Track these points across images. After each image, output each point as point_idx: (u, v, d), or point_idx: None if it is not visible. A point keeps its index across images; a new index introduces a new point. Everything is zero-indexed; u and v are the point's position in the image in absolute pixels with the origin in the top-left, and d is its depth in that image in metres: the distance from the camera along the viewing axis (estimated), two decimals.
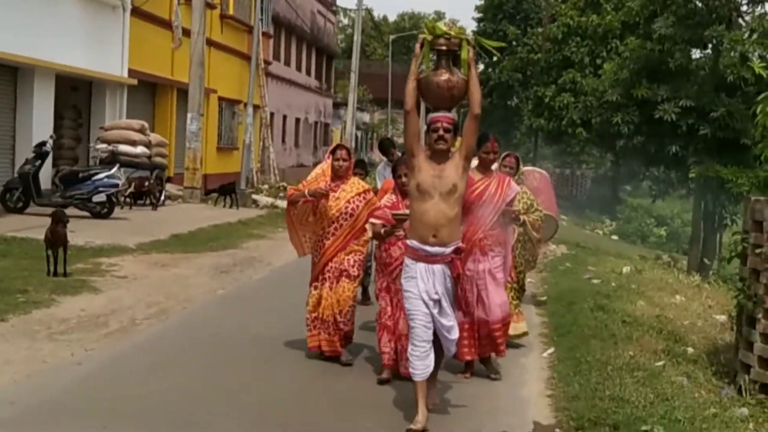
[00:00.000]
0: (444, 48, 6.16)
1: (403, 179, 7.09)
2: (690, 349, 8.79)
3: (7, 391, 6.38)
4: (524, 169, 10.54)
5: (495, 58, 52.69)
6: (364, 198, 7.64)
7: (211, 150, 30.27)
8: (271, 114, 36.92)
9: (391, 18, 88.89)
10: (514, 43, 49.39)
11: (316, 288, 7.69)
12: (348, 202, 7.56)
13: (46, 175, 18.51)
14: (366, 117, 63.46)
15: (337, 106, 54.73)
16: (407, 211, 6.59)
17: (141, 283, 11.34)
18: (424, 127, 6.45)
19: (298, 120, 44.53)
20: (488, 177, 7.46)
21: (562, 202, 24.67)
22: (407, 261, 6.23)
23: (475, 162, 7.27)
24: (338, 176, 7.61)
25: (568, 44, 37.78)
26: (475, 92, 6.11)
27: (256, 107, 32.76)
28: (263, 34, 33.62)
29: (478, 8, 53.60)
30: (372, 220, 7.27)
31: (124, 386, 6.76)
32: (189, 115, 24.17)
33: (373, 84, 62.30)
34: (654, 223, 41.64)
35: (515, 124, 50.58)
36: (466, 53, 6.13)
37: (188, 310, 10.10)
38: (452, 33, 6.15)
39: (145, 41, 24.18)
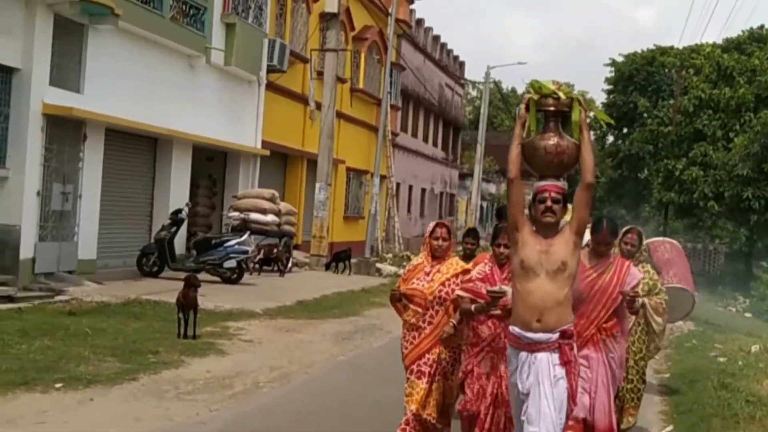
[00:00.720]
0: (552, 109, 5.43)
1: (502, 249, 6.30)
2: None
3: None
4: (653, 240, 10.09)
5: (625, 130, 52.28)
6: (461, 279, 6.60)
7: (338, 218, 30.94)
8: (397, 184, 37.52)
9: (519, 89, 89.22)
10: (644, 115, 48.89)
11: (413, 381, 6.73)
12: (442, 285, 6.63)
13: (180, 241, 19.36)
14: (492, 188, 63.56)
15: (462, 176, 55.10)
16: (505, 288, 5.91)
17: (266, 348, 11.70)
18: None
19: (423, 190, 45.03)
20: (603, 262, 6.45)
21: (694, 278, 24.00)
22: (509, 351, 5.45)
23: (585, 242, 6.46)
24: (436, 257, 6.77)
25: (699, 117, 37.24)
26: (588, 158, 5.32)
27: (382, 177, 33.40)
28: (391, 106, 34.38)
29: (608, 80, 53.35)
30: (459, 292, 6.37)
31: None
32: (317, 185, 24.86)
33: (500, 155, 62.28)
34: None
35: (645, 197, 49.74)
36: (578, 114, 5.39)
37: (310, 375, 10.36)
38: (561, 93, 5.45)
39: (278, 114, 25.12)
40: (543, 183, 5.37)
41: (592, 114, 5.81)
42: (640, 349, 8.04)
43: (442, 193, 49.74)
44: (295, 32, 26.39)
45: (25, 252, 14.90)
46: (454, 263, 6.77)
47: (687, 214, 39.47)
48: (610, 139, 56.20)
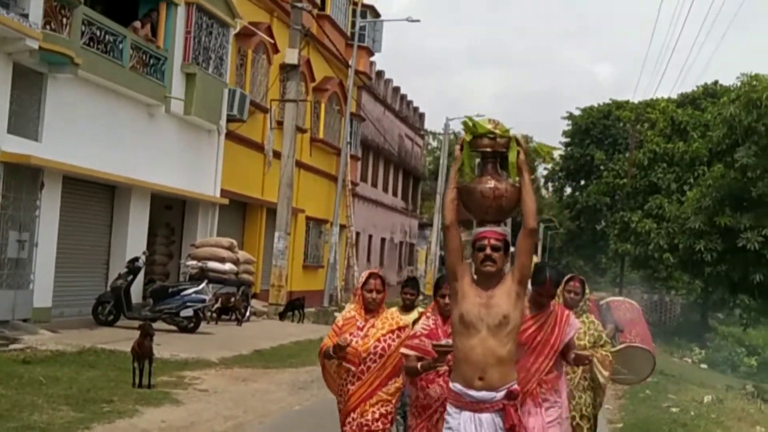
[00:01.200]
0: (488, 150, 5.05)
1: (447, 299, 5.69)
2: None
3: None
4: (613, 299, 10.16)
5: (582, 182, 53.04)
6: (398, 336, 6.10)
7: (297, 267, 30.94)
8: (357, 233, 37.64)
9: None
10: (601, 167, 49.68)
11: None
12: (378, 340, 6.05)
13: (137, 289, 19.25)
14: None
15: (422, 226, 55.39)
16: (450, 342, 5.32)
17: (221, 397, 11.67)
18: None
19: (383, 240, 45.20)
20: (543, 313, 5.91)
21: (650, 329, 24.31)
22: (449, 409, 5.07)
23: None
24: (370, 310, 6.16)
25: (654, 170, 37.95)
26: (529, 201, 4.93)
27: (342, 226, 33.52)
28: (351, 156, 34.63)
29: (565, 133, 54.27)
30: (404, 350, 5.90)
31: None
32: (277, 234, 24.91)
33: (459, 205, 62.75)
34: (744, 352, 40.47)
35: (602, 248, 50.36)
36: (515, 155, 4.99)
37: (265, 425, 10.36)
38: (497, 131, 5.03)
39: (238, 163, 25.22)
40: (482, 230, 5.00)
41: (533, 149, 5.42)
42: (588, 404, 7.64)
43: (402, 243, 49.93)
44: (255, 82, 26.59)
45: None
46: (389, 317, 6.20)
47: (643, 265, 40.01)
48: (568, 190, 56.94)
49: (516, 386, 4.96)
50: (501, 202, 4.96)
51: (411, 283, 7.87)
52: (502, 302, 4.87)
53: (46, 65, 16.23)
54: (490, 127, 5.04)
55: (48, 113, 16.58)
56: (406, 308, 7.53)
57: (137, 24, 19.88)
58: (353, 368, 5.99)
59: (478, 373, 4.87)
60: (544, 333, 5.86)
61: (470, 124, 5.08)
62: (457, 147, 5.11)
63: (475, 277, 5.00)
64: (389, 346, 6.04)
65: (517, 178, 5.00)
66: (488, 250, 4.91)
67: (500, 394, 4.89)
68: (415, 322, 6.50)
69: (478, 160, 5.19)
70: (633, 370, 9.06)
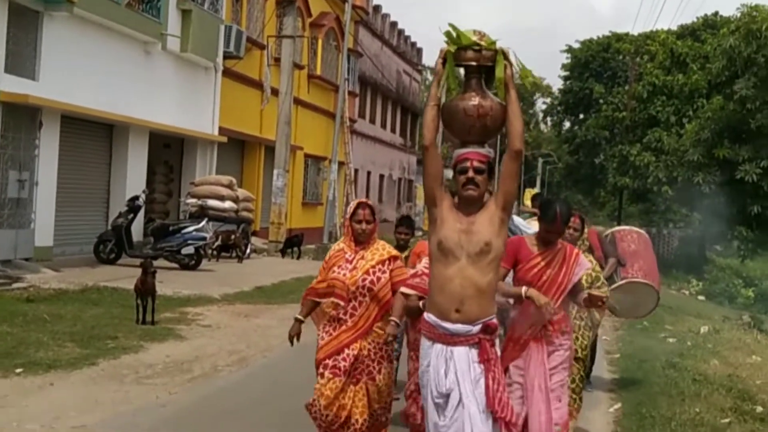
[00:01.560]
0: (473, 64, 4.59)
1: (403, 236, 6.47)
2: (759, 408, 8.82)
3: (95, 430, 6.85)
4: (619, 229, 9.69)
5: (581, 116, 52.87)
6: (389, 266, 5.74)
7: (296, 205, 31.02)
8: (356, 170, 37.64)
9: None
10: (600, 101, 49.44)
11: (327, 377, 5.78)
12: (367, 272, 5.67)
13: (138, 228, 19.35)
14: (450, 174, 63.81)
15: (421, 162, 55.26)
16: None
17: (224, 333, 11.82)
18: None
19: (382, 176, 45.21)
20: (551, 250, 5.56)
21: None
22: (423, 342, 4.74)
23: (533, 224, 6.15)
24: (359, 242, 5.79)
25: (653, 103, 37.71)
26: (515, 121, 4.50)
27: (340, 164, 33.51)
28: (349, 93, 34.47)
29: (564, 66, 53.83)
30: (404, 289, 5.62)
31: (205, 429, 7.17)
32: (275, 172, 24.93)
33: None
34: (742, 284, 40.77)
35: (601, 182, 50.34)
36: (502, 70, 4.53)
37: (268, 359, 10.51)
38: (483, 43, 4.56)
39: (235, 100, 25.13)
40: (464, 150, 4.61)
41: (518, 70, 4.75)
42: (585, 346, 7.31)
43: (400, 179, 49.95)
44: (251, 18, 26.38)
45: None
46: (380, 248, 5.78)
47: (641, 198, 40.09)
48: (567, 125, 56.76)
49: (494, 320, 4.60)
50: (485, 121, 4.54)
51: (405, 222, 7.49)
52: (484, 229, 4.51)
53: (41, 3, 16.10)
54: (475, 38, 4.56)
55: (44, 52, 16.49)
56: (400, 249, 7.25)
57: None
58: (342, 303, 5.67)
59: (455, 305, 4.51)
60: (552, 271, 5.50)
61: (453, 34, 4.57)
62: (439, 60, 4.61)
63: (456, 201, 4.63)
64: (378, 279, 5.66)
65: (503, 96, 4.58)
66: (470, 173, 4.53)
67: (476, 328, 4.53)
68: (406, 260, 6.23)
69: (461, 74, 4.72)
70: (635, 305, 8.89)
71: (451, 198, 4.63)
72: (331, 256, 5.83)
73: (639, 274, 8.42)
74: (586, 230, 7.76)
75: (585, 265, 5.69)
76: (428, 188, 4.63)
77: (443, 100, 4.67)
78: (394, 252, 5.84)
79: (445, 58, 4.59)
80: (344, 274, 5.69)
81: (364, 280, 5.65)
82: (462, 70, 4.71)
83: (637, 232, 9.54)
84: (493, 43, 4.58)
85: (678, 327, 15.94)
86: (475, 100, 4.54)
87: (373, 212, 5.84)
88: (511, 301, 5.60)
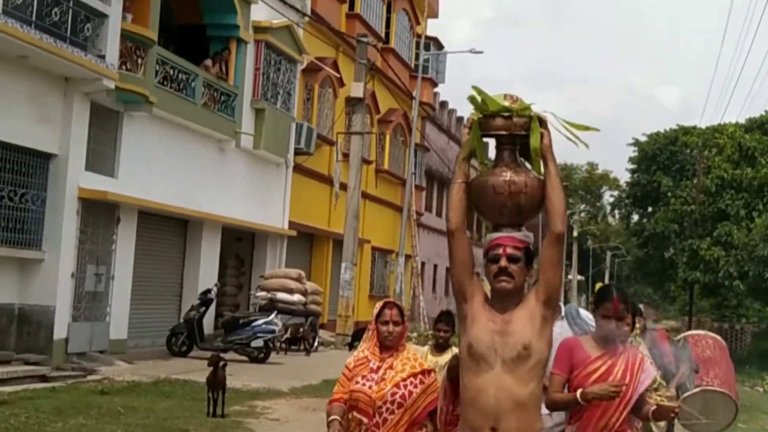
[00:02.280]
0: (503, 133, 4.02)
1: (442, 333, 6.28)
2: None
3: None
4: (693, 333, 8.96)
5: (650, 209, 52.46)
6: (421, 381, 4.92)
7: (363, 298, 31.21)
8: (422, 263, 37.81)
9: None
10: (668, 194, 49.16)
11: None
12: (397, 386, 4.87)
13: (209, 320, 19.71)
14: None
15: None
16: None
17: (292, 426, 11.93)
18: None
19: (448, 269, 45.19)
20: (610, 353, 4.70)
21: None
22: None
23: (587, 318, 5.44)
24: (386, 347, 5.02)
25: (722, 196, 37.49)
26: (555, 198, 3.93)
27: (407, 257, 33.75)
28: (416, 187, 34.92)
29: (631, 159, 53.76)
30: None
31: None
32: (343, 264, 25.22)
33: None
34: None
35: (671, 276, 49.71)
36: (538, 139, 3.94)
37: None
38: (514, 107, 3.98)
39: (305, 195, 25.67)
40: (496, 235, 4.02)
41: (563, 131, 4.12)
42: None
43: None
44: (321, 116, 27.10)
45: (59, 332, 15.28)
46: (411, 358, 5.01)
47: (712, 293, 39.46)
48: (635, 217, 56.38)
49: None
50: (519, 199, 3.96)
51: (445, 317, 6.63)
52: (522, 329, 3.86)
53: (122, 104, 16.83)
54: (506, 103, 3.98)
55: (124, 150, 17.15)
56: (439, 347, 6.53)
57: (208, 62, 20.48)
58: (365, 420, 4.85)
59: (489, 422, 3.84)
60: (614, 379, 4.59)
61: (479, 99, 4.00)
62: (465, 130, 4.10)
63: (489, 296, 4.03)
64: (410, 393, 4.85)
65: (539, 170, 4.01)
66: (503, 262, 3.91)
67: None
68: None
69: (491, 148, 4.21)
70: (710, 417, 7.45)
71: (483, 292, 4.03)
72: (355, 365, 5.01)
73: (715, 382, 7.57)
74: (639, 325, 6.95)
75: (650, 373, 4.94)
76: (456, 280, 4.07)
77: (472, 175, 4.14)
78: (427, 365, 5.12)
79: (470, 127, 4.04)
80: (370, 387, 4.87)
81: (393, 394, 4.85)
82: (494, 142, 4.16)
83: (713, 338, 8.63)
84: (527, 108, 3.97)
85: (751, 425, 15.59)
86: (506, 176, 3.96)
87: (402, 312, 5.13)
88: (563, 416, 4.85)
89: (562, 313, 6.31)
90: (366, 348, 5.08)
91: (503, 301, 3.98)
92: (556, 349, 4.58)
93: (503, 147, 4.10)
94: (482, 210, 4.14)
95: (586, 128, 4.13)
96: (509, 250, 3.97)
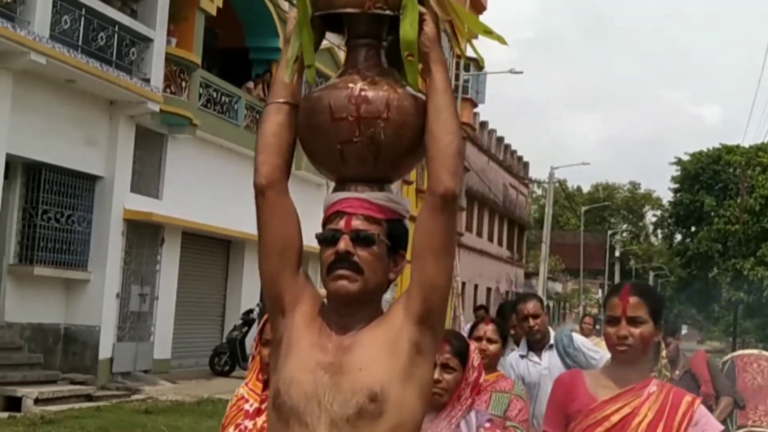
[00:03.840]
0: (353, 11, 2.30)
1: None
2: None
3: None
4: (742, 354, 7.41)
5: (693, 228, 52.01)
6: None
7: None
8: (463, 283, 37.73)
9: (585, 188, 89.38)
10: (711, 213, 48.73)
11: None
12: None
13: (251, 340, 19.80)
14: (558, 287, 63.31)
15: (528, 275, 55.08)
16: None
17: None
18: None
19: (489, 289, 45.17)
20: (630, 391, 3.07)
21: None
22: None
23: (599, 346, 4.28)
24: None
25: (766, 216, 37.09)
26: (442, 133, 2.21)
27: None
28: None
29: (674, 178, 53.41)
30: None
31: None
32: None
33: (566, 254, 62.43)
34: None
35: (715, 296, 49.19)
36: (415, 26, 2.27)
37: None
38: None
39: None
40: (337, 196, 2.35)
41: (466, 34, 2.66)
42: None
43: (507, 292, 49.73)
44: None
45: (104, 352, 15.48)
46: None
47: (757, 313, 39.00)
48: (678, 237, 55.91)
49: None
50: (377, 130, 2.23)
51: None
52: (372, 363, 2.18)
53: (166, 126, 17.07)
54: None
55: (168, 172, 17.39)
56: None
57: (251, 84, 20.72)
58: None
59: None
60: (640, 428, 3.05)
61: None
62: (290, 19, 2.39)
63: (324, 302, 2.37)
64: None
65: (415, 83, 2.30)
66: (343, 243, 2.25)
67: None
68: None
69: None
70: None
71: (314, 298, 2.38)
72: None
73: (765, 421, 6.22)
74: (664, 351, 5.19)
75: (715, 427, 3.13)
76: (266, 276, 2.39)
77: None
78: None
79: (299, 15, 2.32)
80: None
81: None
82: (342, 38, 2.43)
83: (766, 359, 6.95)
84: None
85: None
86: (353, 88, 2.25)
87: (500, 329, 4.59)
88: None
89: (551, 341, 5.52)
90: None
91: (345, 314, 2.26)
92: (550, 391, 3.31)
93: (356, 42, 2.37)
94: (315, 151, 2.35)
95: (489, 32, 2.53)
96: (356, 223, 2.26)
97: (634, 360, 3.11)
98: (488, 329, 4.55)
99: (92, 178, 15.71)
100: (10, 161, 13.99)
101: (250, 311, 18.94)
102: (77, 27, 14.52)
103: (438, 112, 2.23)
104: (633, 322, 3.08)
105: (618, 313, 3.10)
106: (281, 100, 2.39)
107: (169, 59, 16.66)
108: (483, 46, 47.48)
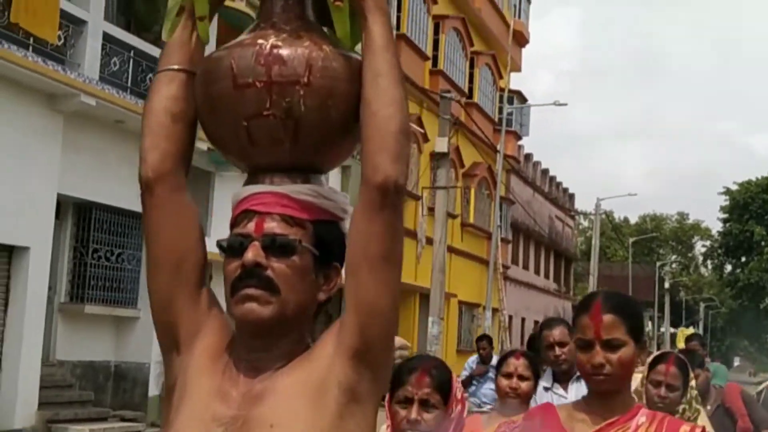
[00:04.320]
0: None
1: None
2: None
3: None
4: None
5: (743, 259, 51.18)
6: None
7: (451, 352, 31.07)
8: (510, 317, 37.55)
9: (633, 219, 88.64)
10: (762, 243, 48.10)
11: None
12: None
13: None
14: None
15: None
16: None
17: None
18: None
19: (536, 322, 44.72)
20: (621, 420, 2.57)
21: None
22: None
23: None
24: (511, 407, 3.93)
25: None
26: (379, 102, 1.72)
27: (494, 310, 33.54)
28: (502, 239, 34.82)
29: (723, 208, 52.94)
30: None
31: None
32: (430, 319, 25.20)
33: (614, 286, 61.61)
34: None
35: (767, 327, 48.39)
36: None
37: None
38: None
39: None
40: (246, 191, 1.86)
41: None
42: None
43: None
44: None
45: (154, 389, 15.58)
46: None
47: None
48: (728, 268, 55.21)
49: None
50: (292, 98, 1.76)
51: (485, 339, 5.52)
52: (289, 417, 1.70)
53: (213, 164, 17.28)
54: None
55: (215, 209, 17.58)
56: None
57: None
58: None
59: None
60: None
61: None
62: None
63: (232, 328, 1.89)
64: None
65: (347, 41, 1.85)
66: (251, 253, 1.78)
67: None
68: None
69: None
70: None
71: (222, 326, 1.92)
72: None
73: None
74: (693, 381, 4.24)
75: None
76: (154, 299, 1.95)
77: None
78: None
79: None
80: None
81: None
82: None
83: None
84: None
85: None
86: (263, 45, 1.77)
87: (533, 364, 4.14)
88: None
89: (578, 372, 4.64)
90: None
91: (256, 349, 1.78)
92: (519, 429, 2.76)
93: None
94: (216, 132, 1.87)
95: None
96: (270, 225, 1.77)
97: (616, 389, 2.58)
98: (519, 364, 4.02)
99: (141, 217, 15.88)
100: (62, 201, 14.27)
101: None
102: (126, 69, 14.82)
103: (375, 76, 1.71)
104: (609, 346, 2.51)
105: (590, 336, 2.54)
106: (174, 67, 1.84)
107: None
108: (528, 79, 47.39)
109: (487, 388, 9.74)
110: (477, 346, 8.10)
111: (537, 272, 45.31)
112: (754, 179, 52.27)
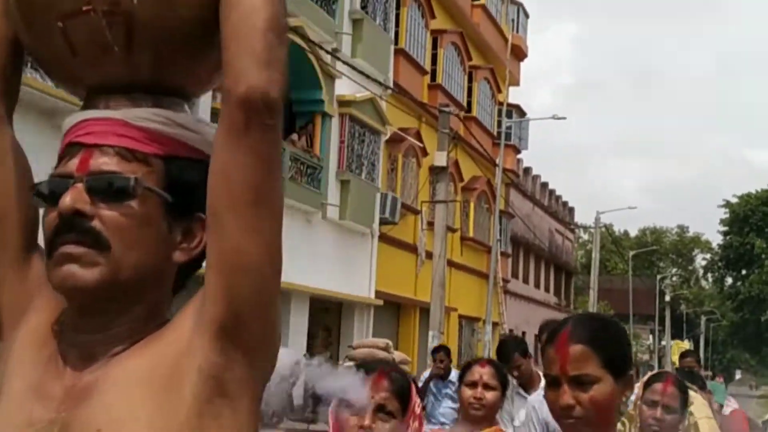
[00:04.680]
0: None
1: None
2: None
3: None
4: None
5: (743, 272, 51.15)
6: None
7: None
8: (510, 330, 37.50)
9: (632, 233, 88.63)
10: (762, 256, 48.08)
11: None
12: None
13: (298, 391, 19.80)
14: None
15: None
16: None
17: None
18: None
19: (536, 335, 44.77)
20: None
21: None
22: None
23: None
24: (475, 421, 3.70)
25: None
26: (234, 11, 1.26)
27: (494, 324, 33.52)
28: (501, 253, 34.85)
29: (723, 221, 52.95)
30: None
31: None
32: (430, 333, 25.16)
33: (614, 299, 61.83)
34: None
35: None
36: None
37: None
38: None
39: (391, 264, 25.84)
40: (77, 117, 1.40)
41: None
42: None
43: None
44: (405, 185, 27.39)
45: None
46: None
47: None
48: (729, 281, 55.19)
49: None
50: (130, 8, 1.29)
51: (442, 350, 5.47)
52: (125, 418, 1.23)
53: None
54: None
55: None
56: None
57: (294, 136, 20.98)
58: None
59: None
60: None
61: None
62: None
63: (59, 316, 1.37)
64: None
65: None
66: (67, 199, 1.29)
67: None
68: None
69: None
70: None
71: (55, 305, 1.38)
72: None
73: None
74: (692, 407, 3.86)
75: None
76: None
77: None
78: None
79: None
80: None
81: None
82: None
83: None
84: None
85: None
86: None
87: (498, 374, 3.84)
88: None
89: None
90: None
91: (85, 329, 1.34)
92: None
93: None
94: (30, 40, 1.47)
95: None
96: (99, 161, 1.34)
97: (594, 429, 2.07)
98: (484, 372, 3.66)
99: None
100: None
101: (297, 362, 18.95)
102: None
103: None
104: (578, 382, 2.03)
105: (555, 372, 2.06)
106: None
107: (216, 114, 16.94)
108: (526, 93, 47.46)
109: (446, 407, 8.80)
110: (433, 359, 6.79)
111: (537, 286, 45.29)
112: (753, 192, 52.31)
